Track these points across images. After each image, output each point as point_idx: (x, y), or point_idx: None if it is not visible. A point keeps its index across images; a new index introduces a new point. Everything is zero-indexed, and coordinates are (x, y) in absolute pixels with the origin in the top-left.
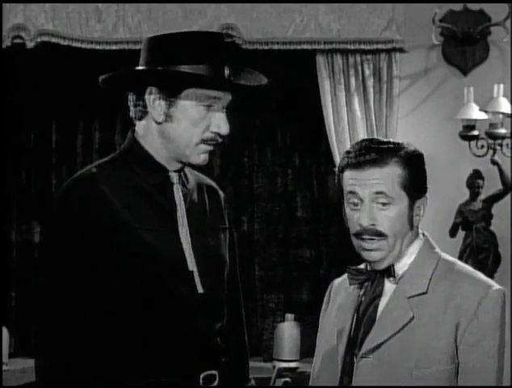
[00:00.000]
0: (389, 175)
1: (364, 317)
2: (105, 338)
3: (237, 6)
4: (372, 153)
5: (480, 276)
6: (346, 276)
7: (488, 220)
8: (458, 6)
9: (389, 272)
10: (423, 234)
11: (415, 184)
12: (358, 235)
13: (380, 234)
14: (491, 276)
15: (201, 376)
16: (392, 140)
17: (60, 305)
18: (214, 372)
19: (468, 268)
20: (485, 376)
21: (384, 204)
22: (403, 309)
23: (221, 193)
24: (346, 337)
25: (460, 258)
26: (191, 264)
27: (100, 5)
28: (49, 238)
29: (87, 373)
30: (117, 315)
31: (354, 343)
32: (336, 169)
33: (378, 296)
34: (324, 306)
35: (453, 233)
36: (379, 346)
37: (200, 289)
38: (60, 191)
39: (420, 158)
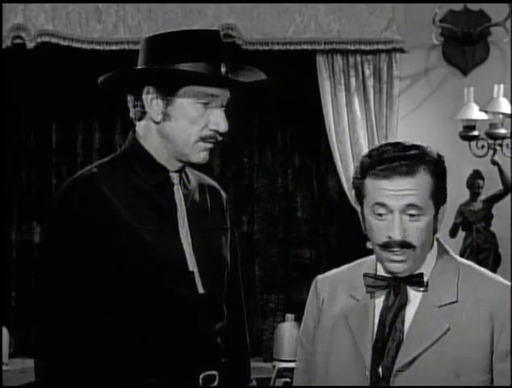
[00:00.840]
0: (420, 185)
1: (392, 328)
2: (105, 338)
3: (237, 6)
4: (402, 161)
5: (498, 277)
6: (334, 273)
7: (488, 220)
8: (458, 6)
9: (416, 280)
10: (436, 239)
11: (441, 191)
12: (386, 247)
13: (409, 246)
14: None
15: (201, 376)
16: (414, 143)
17: (60, 305)
18: (214, 372)
19: (488, 272)
20: None
21: (413, 215)
22: (435, 319)
23: (223, 194)
24: (370, 349)
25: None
26: (192, 265)
27: (100, 5)
28: (49, 238)
29: (87, 372)
30: (117, 315)
31: (381, 355)
32: (355, 172)
33: (403, 305)
34: (311, 306)
35: (453, 233)
36: (414, 359)
37: (201, 290)
38: (61, 191)
39: (444, 162)
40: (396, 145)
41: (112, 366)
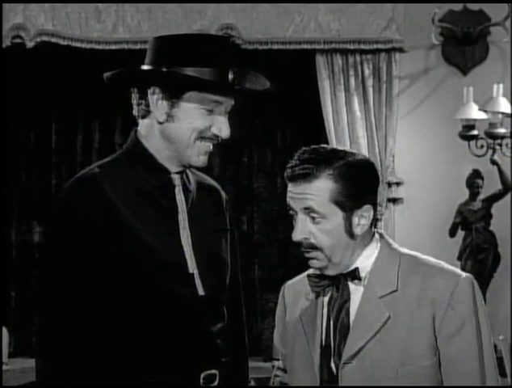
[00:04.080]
0: (319, 191)
1: (337, 323)
2: (106, 338)
3: (237, 6)
4: (305, 165)
5: (447, 266)
6: (299, 279)
7: (487, 220)
8: (458, 6)
9: (353, 274)
10: (380, 234)
11: (351, 196)
12: (300, 246)
13: (314, 247)
14: (490, 275)
15: (202, 375)
16: (335, 148)
17: (61, 304)
18: (214, 371)
19: (433, 260)
20: (467, 364)
21: (314, 218)
22: (377, 309)
23: (223, 194)
24: (318, 346)
25: (460, 258)
26: (192, 267)
27: (100, 5)
28: (51, 237)
29: (88, 373)
30: (118, 316)
31: (329, 351)
32: None
33: (347, 300)
34: (279, 312)
35: (453, 233)
36: (359, 350)
37: (201, 292)
38: (63, 190)
39: (358, 168)
40: (312, 151)
41: (113, 366)
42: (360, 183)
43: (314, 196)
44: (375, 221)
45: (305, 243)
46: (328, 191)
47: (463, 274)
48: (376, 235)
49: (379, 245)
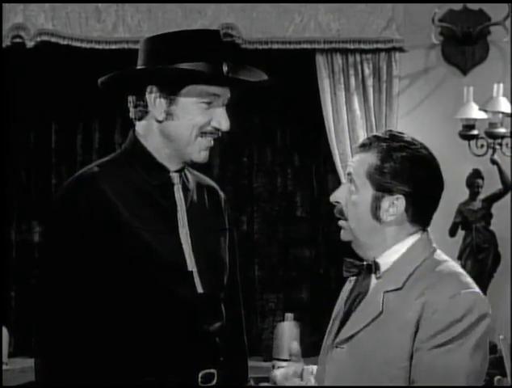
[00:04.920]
0: (361, 161)
1: (351, 311)
2: (105, 337)
3: (237, 6)
4: (366, 141)
5: (461, 278)
6: None
7: (487, 219)
8: (457, 6)
9: (371, 267)
10: (425, 234)
11: (386, 178)
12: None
13: (342, 214)
14: (491, 275)
15: (200, 374)
16: (410, 139)
17: (61, 304)
18: (212, 370)
19: (454, 270)
20: (438, 373)
21: (351, 186)
22: (375, 302)
23: (222, 194)
24: (335, 331)
25: (460, 258)
26: (191, 265)
27: (100, 5)
28: (51, 237)
29: (87, 372)
30: (117, 314)
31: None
32: None
33: (363, 290)
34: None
35: (453, 232)
36: (351, 337)
37: (200, 289)
38: (62, 190)
39: (407, 157)
40: (387, 131)
41: (112, 365)
42: (399, 170)
43: (355, 164)
44: (415, 219)
45: (336, 208)
46: (367, 164)
47: (470, 289)
48: (418, 234)
49: (413, 243)
